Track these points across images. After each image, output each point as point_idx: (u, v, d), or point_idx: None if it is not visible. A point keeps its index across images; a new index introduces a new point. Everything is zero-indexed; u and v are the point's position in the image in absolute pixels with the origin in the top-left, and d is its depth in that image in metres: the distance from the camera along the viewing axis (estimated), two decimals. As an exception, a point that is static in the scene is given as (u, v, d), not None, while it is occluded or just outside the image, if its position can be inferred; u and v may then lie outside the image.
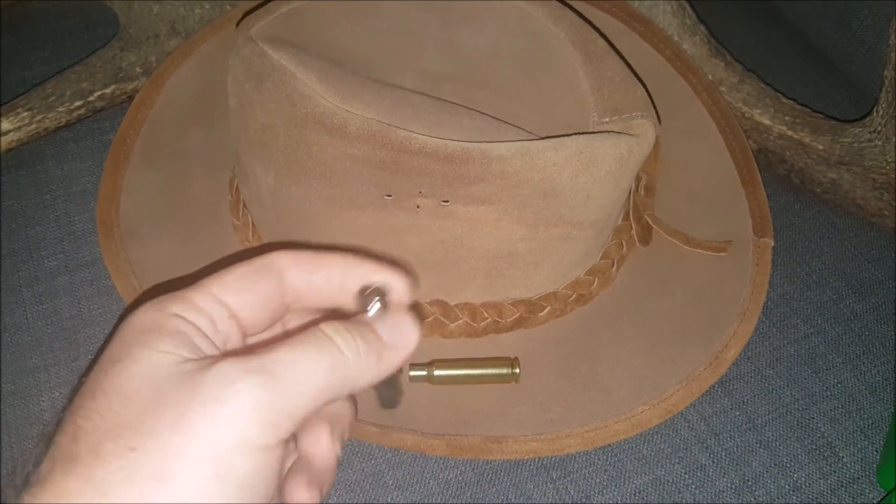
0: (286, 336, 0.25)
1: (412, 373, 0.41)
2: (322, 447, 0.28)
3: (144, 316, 0.25)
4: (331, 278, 0.28)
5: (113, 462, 0.22)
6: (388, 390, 0.32)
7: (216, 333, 0.25)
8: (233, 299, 0.26)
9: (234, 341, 0.26)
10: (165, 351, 0.24)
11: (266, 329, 0.28)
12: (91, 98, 0.51)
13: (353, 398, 0.30)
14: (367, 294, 0.27)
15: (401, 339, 0.27)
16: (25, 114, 0.50)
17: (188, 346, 0.24)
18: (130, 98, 0.52)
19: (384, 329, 0.26)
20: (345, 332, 0.25)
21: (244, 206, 0.45)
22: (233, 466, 0.22)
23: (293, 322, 0.30)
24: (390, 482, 0.39)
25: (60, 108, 0.51)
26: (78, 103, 0.51)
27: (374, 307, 0.27)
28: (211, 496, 0.22)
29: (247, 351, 0.24)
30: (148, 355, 0.24)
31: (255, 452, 0.23)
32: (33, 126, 0.50)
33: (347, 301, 0.28)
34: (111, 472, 0.22)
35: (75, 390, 0.24)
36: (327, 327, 0.25)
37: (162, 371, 0.23)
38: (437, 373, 0.41)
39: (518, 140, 0.37)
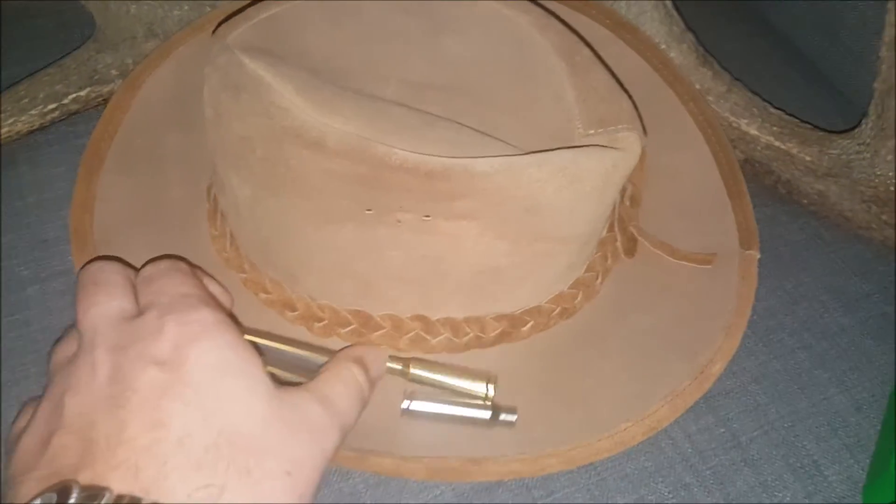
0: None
1: (389, 364, 0.41)
2: None
3: (229, 340, 0.33)
4: None
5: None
6: None
7: None
8: None
9: None
10: (259, 384, 0.33)
11: None
12: (65, 101, 0.50)
13: None
14: None
15: (379, 371, 0.39)
16: (-4, 117, 0.48)
17: (267, 381, 0.33)
18: (106, 101, 0.51)
19: (372, 364, 0.38)
20: (360, 368, 0.37)
21: (222, 215, 0.44)
22: (323, 465, 0.32)
23: None
24: (369, 503, 0.39)
25: (33, 111, 0.49)
26: (52, 106, 0.50)
27: None
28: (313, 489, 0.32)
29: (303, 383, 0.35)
30: (248, 388, 0.33)
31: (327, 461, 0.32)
32: (5, 129, 0.49)
33: None
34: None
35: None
36: (354, 368, 0.36)
37: (264, 396, 0.33)
38: (413, 370, 0.40)
39: (501, 155, 0.36)
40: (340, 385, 0.35)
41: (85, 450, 0.28)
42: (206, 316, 0.32)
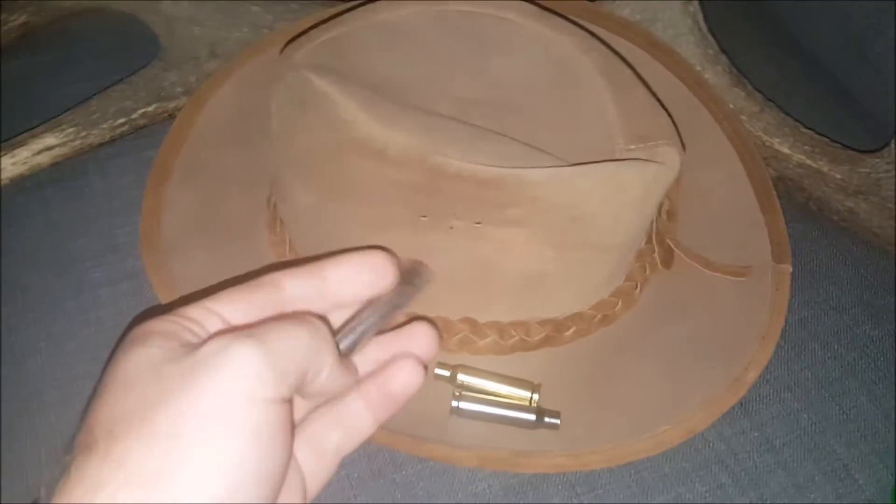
0: None
1: (437, 371, 0.43)
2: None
3: (138, 328, 0.27)
4: (324, 282, 0.31)
5: (128, 436, 0.24)
6: None
7: (206, 333, 0.28)
8: (225, 309, 0.29)
9: None
10: (157, 345, 0.26)
11: None
12: (134, 116, 0.53)
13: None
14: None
15: None
16: (70, 129, 0.52)
17: (178, 340, 0.27)
18: (171, 116, 0.54)
19: None
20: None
21: (281, 223, 0.47)
22: (241, 418, 0.24)
23: None
24: (420, 493, 0.41)
25: (104, 125, 0.53)
26: (121, 120, 0.53)
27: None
28: (224, 448, 0.24)
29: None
30: (142, 350, 0.26)
31: (260, 405, 0.25)
32: (78, 141, 0.52)
33: (335, 297, 0.31)
34: (127, 444, 0.23)
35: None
36: (300, 313, 0.29)
37: (158, 357, 0.26)
38: (460, 377, 0.43)
39: (549, 166, 0.38)
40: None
41: None
42: None
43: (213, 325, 0.28)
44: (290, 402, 0.27)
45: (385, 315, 0.32)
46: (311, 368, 0.27)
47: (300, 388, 0.27)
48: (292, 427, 0.27)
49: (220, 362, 0.25)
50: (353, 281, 0.31)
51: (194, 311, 0.28)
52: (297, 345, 0.27)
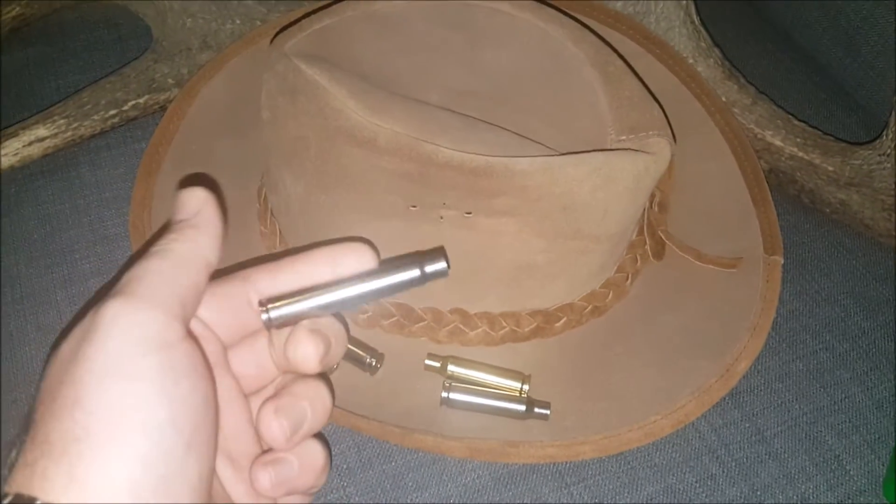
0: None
1: (427, 362, 0.43)
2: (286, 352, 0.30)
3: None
4: (297, 276, 0.30)
5: (45, 407, 0.24)
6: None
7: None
8: (202, 310, 0.28)
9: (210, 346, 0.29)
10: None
11: (248, 334, 0.30)
12: (125, 107, 0.53)
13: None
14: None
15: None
16: (62, 121, 0.52)
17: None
18: (163, 108, 0.54)
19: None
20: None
21: (272, 214, 0.47)
22: (137, 369, 0.24)
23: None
24: (410, 484, 0.41)
25: (95, 117, 0.52)
26: (112, 112, 0.53)
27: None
28: (126, 402, 0.24)
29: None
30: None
31: (155, 352, 0.25)
32: (69, 133, 0.52)
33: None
34: (44, 416, 0.24)
35: None
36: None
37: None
38: (450, 367, 0.43)
39: (540, 155, 0.38)
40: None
41: None
42: None
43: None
44: (188, 338, 0.26)
45: (345, 299, 0.30)
46: (188, 295, 0.27)
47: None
48: (203, 361, 0.27)
49: (97, 324, 0.25)
50: (327, 274, 0.30)
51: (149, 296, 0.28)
52: (161, 280, 0.26)
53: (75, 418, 0.23)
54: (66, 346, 0.26)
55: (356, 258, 0.30)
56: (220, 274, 0.30)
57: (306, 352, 0.28)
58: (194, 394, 0.26)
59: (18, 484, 0.23)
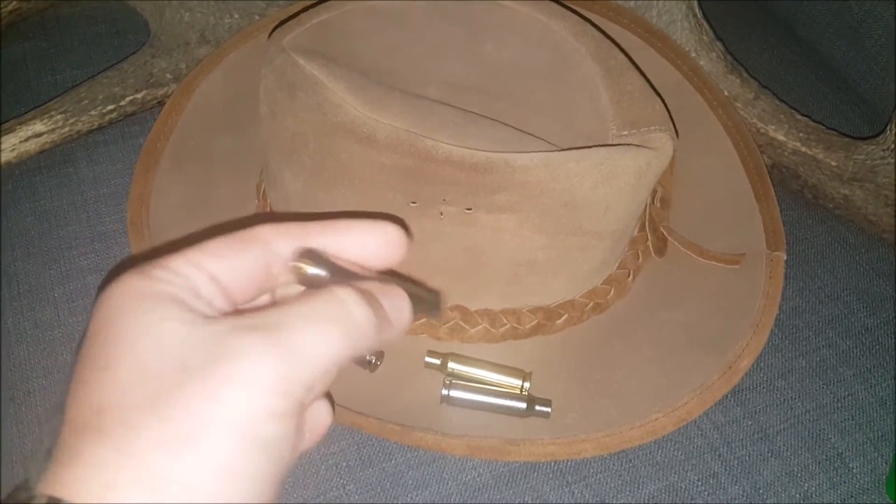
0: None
1: (428, 359, 0.43)
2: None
3: (132, 283, 0.25)
4: (318, 246, 0.28)
5: (147, 432, 0.23)
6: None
7: (199, 297, 0.26)
8: (214, 265, 0.26)
9: (220, 305, 0.26)
10: (171, 317, 0.24)
11: (255, 298, 0.28)
12: (123, 103, 0.53)
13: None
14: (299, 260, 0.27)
15: (399, 316, 0.28)
16: (59, 116, 0.51)
17: (188, 308, 0.25)
18: (161, 103, 0.53)
19: (387, 303, 0.27)
20: (359, 299, 0.26)
21: (271, 210, 0.46)
22: (258, 433, 0.23)
23: (283, 291, 0.30)
24: (410, 482, 0.40)
25: (93, 112, 0.52)
26: (110, 107, 0.52)
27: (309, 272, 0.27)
28: (240, 460, 0.23)
29: (261, 313, 0.25)
30: (156, 323, 0.24)
31: (278, 419, 0.24)
32: (66, 128, 0.51)
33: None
34: (146, 441, 0.23)
35: (78, 362, 0.25)
36: (342, 293, 0.26)
37: (176, 338, 0.24)
38: (450, 364, 0.42)
39: (540, 151, 0.38)
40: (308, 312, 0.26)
41: None
42: None
43: (204, 284, 0.26)
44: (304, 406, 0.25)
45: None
46: (338, 369, 0.26)
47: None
48: (301, 430, 0.26)
49: (244, 371, 0.23)
50: (353, 251, 0.28)
51: (180, 265, 0.26)
52: (328, 355, 0.25)
53: (186, 462, 0.23)
54: (173, 335, 0.24)
55: (385, 243, 0.28)
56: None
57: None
58: (289, 459, 0.25)
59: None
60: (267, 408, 0.23)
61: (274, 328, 0.24)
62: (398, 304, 0.28)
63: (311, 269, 0.27)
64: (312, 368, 0.24)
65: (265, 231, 0.27)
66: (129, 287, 0.25)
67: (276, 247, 0.27)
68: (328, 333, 0.25)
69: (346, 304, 0.26)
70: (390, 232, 0.29)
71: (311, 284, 0.27)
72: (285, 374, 0.24)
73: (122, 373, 0.24)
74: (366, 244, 0.28)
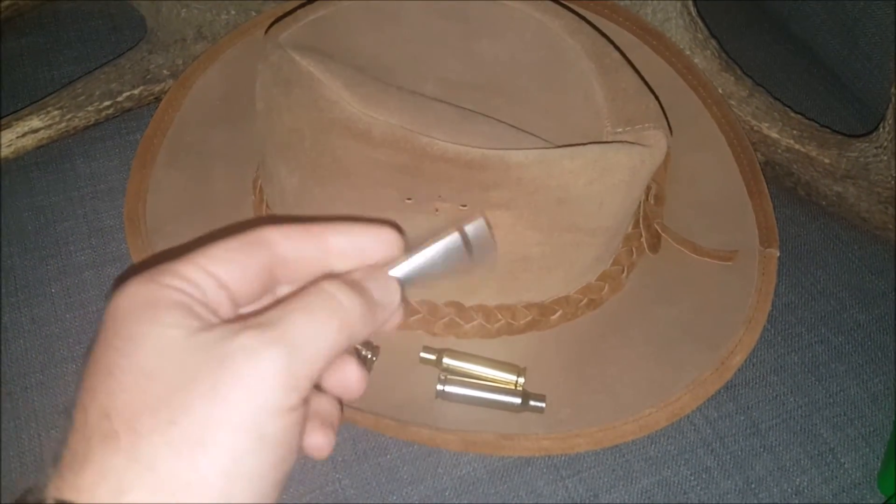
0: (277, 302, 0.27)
1: (423, 354, 0.43)
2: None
3: (139, 290, 0.25)
4: (319, 247, 0.29)
5: (154, 437, 0.23)
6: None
7: (207, 303, 0.26)
8: (221, 270, 0.27)
9: (226, 310, 0.27)
10: (174, 324, 0.25)
11: (257, 300, 0.29)
12: (119, 98, 0.53)
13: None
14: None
15: (388, 297, 0.29)
16: (56, 112, 0.51)
17: (192, 316, 0.25)
18: (157, 99, 0.54)
19: (374, 287, 0.28)
20: (346, 289, 0.27)
21: (267, 206, 0.47)
22: (266, 429, 0.24)
23: (282, 290, 0.30)
24: (405, 477, 0.41)
25: (90, 108, 0.52)
26: (107, 103, 0.52)
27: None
28: (248, 458, 0.24)
29: (257, 314, 0.26)
30: (158, 330, 0.24)
31: (283, 414, 0.24)
32: (63, 124, 0.52)
33: (334, 266, 0.29)
34: (154, 446, 0.23)
35: (85, 370, 0.25)
36: (330, 286, 0.27)
37: (178, 344, 0.24)
38: (445, 360, 0.43)
39: (535, 148, 0.38)
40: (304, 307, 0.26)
41: None
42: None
43: (211, 290, 0.26)
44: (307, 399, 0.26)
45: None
46: (335, 357, 0.26)
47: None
48: (304, 424, 0.26)
49: (249, 371, 0.24)
50: (361, 252, 0.29)
51: (189, 271, 0.26)
52: (326, 345, 0.26)
53: (197, 465, 0.23)
54: (180, 340, 0.24)
55: (382, 244, 0.29)
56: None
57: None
58: (293, 454, 0.26)
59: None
60: (272, 404, 0.24)
61: (271, 325, 0.25)
62: (383, 284, 0.29)
63: None
64: (313, 360, 0.25)
65: (270, 234, 0.28)
66: (137, 293, 0.25)
67: (279, 249, 0.28)
68: (323, 324, 0.26)
69: (335, 294, 0.26)
70: (387, 234, 0.30)
71: None
72: (287, 368, 0.24)
73: (128, 379, 0.24)
74: (364, 246, 0.29)
